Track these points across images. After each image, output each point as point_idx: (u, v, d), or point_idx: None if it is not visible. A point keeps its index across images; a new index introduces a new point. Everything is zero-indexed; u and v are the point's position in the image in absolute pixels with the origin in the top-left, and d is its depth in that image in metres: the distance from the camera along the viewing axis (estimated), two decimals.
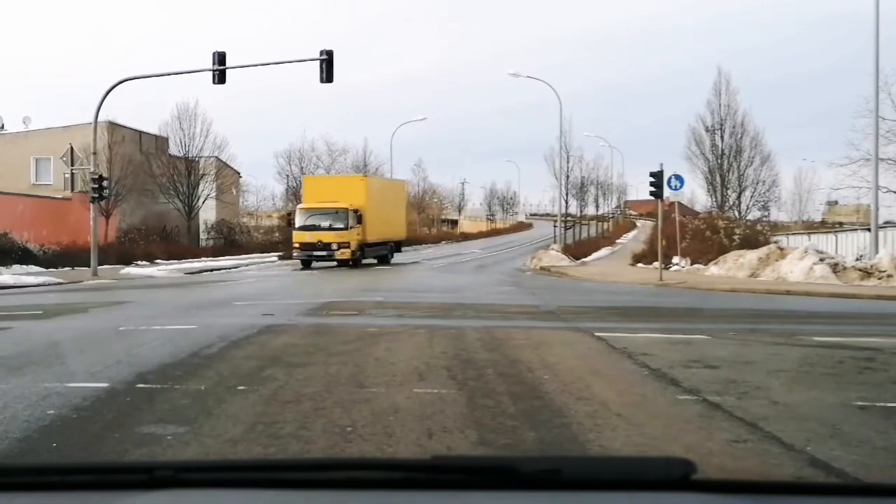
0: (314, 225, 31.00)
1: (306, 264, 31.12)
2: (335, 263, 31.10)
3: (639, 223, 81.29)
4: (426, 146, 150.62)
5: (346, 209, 30.92)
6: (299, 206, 34.08)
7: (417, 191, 79.40)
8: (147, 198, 41.13)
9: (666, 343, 9.16)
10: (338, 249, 30.61)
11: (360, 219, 31.29)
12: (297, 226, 31.67)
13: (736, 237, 31.92)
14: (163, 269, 29.97)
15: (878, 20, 23.43)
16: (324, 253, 30.72)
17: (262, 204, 66.83)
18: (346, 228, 30.78)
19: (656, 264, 26.37)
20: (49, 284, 22.63)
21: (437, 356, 7.98)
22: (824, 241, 31.73)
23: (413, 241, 59.89)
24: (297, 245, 31.41)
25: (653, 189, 24.33)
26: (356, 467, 1.92)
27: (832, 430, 5.07)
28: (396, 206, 38.21)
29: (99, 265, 26.73)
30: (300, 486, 1.71)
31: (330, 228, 30.76)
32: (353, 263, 31.04)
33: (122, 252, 33.80)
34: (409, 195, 60.00)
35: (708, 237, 32.71)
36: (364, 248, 32.09)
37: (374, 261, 34.50)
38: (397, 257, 37.88)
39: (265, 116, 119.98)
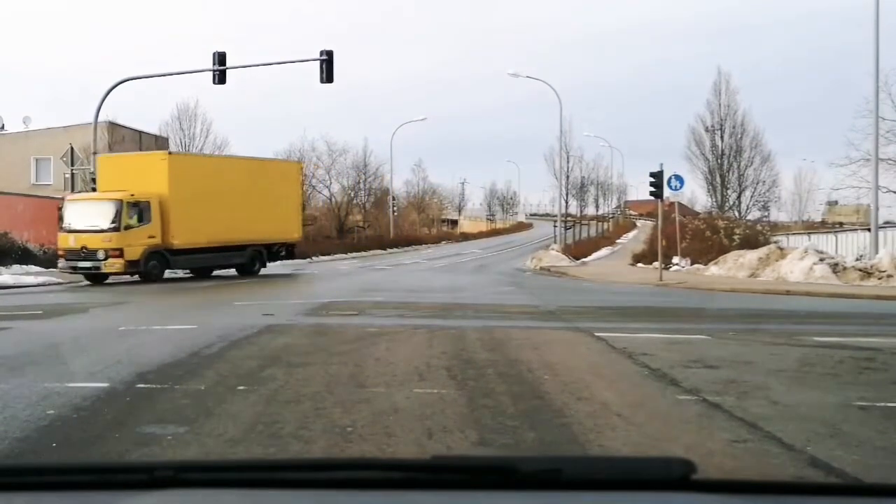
0: (83, 225, 22.47)
1: (93, 278, 22.61)
2: (135, 277, 23.01)
3: (639, 223, 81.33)
4: (426, 146, 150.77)
5: (120, 201, 22.26)
6: (68, 197, 25.22)
7: (417, 191, 79.57)
8: None
9: (666, 343, 9.16)
10: (105, 259, 22.01)
11: (142, 214, 22.65)
12: (62, 225, 23.01)
13: (736, 237, 31.94)
14: None
15: (878, 20, 23.46)
16: (89, 264, 22.22)
17: None
18: (116, 229, 22.08)
19: (656, 264, 26.38)
20: (49, 284, 22.58)
21: (437, 356, 7.98)
22: (824, 242, 31.75)
23: (412, 240, 60.06)
24: (61, 252, 23.02)
25: (653, 189, 24.37)
26: (356, 467, 1.92)
27: (832, 430, 5.07)
28: (272, 197, 26.48)
29: None
30: (300, 486, 1.71)
31: (97, 229, 22.21)
32: (143, 277, 22.67)
33: None
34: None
35: (708, 237, 32.74)
36: (167, 255, 23.25)
37: (234, 271, 26.03)
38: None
39: (265, 116, 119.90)
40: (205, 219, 23.67)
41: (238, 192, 24.93)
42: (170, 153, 25.60)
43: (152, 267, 22.87)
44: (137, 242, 22.42)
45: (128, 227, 22.31)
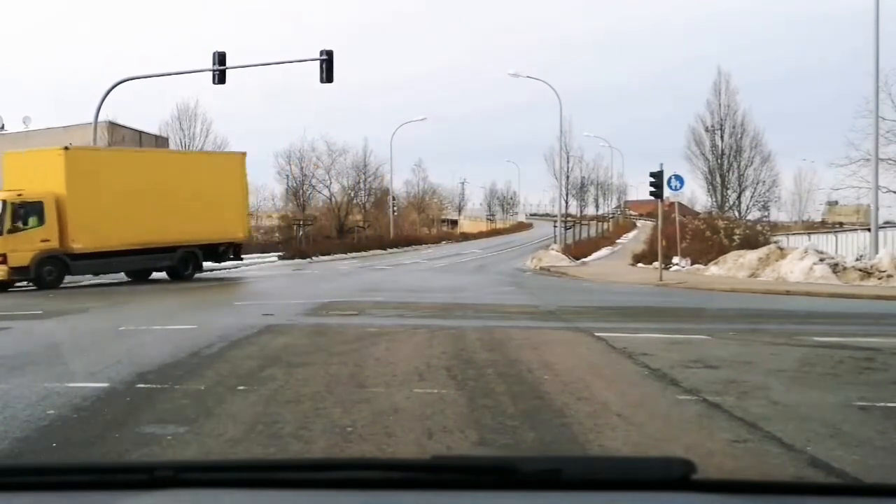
0: None
1: None
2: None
3: (639, 223, 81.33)
4: (426, 146, 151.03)
5: (3, 202, 20.26)
6: None
7: (417, 191, 79.60)
8: None
9: (666, 343, 9.15)
10: None
11: (31, 216, 20.56)
12: None
13: (736, 237, 31.90)
14: None
15: (878, 20, 23.45)
16: None
17: (261, 204, 66.83)
18: None
19: (656, 264, 26.37)
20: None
21: (438, 356, 7.98)
22: (824, 242, 31.72)
23: (412, 240, 60.08)
24: None
25: (653, 189, 24.36)
26: (356, 467, 1.92)
27: (832, 430, 5.07)
28: (209, 193, 23.86)
29: None
30: (300, 486, 1.71)
31: None
32: (36, 284, 20.58)
33: None
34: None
35: (708, 237, 32.70)
36: (67, 260, 21.03)
37: (164, 275, 24.07)
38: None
39: (265, 116, 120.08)
40: (118, 219, 21.50)
41: (163, 188, 22.65)
42: (66, 148, 21.87)
43: (46, 273, 20.65)
44: (25, 247, 20.24)
45: (13, 231, 20.25)
